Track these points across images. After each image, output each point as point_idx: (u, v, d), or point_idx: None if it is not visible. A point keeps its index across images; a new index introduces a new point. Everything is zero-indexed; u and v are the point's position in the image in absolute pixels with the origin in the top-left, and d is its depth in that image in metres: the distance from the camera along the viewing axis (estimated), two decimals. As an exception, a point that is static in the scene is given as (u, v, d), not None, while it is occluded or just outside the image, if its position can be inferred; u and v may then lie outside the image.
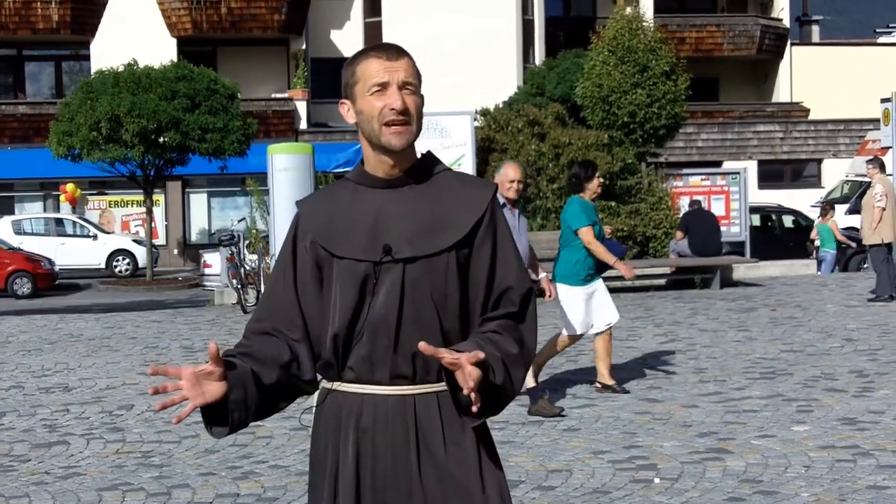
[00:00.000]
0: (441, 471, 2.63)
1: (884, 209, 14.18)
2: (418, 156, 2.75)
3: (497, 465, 2.72)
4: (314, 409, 2.76)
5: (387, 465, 2.63)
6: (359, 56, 2.68)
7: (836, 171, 33.19)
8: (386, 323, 2.60)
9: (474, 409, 2.48)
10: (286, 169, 16.95)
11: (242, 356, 2.63)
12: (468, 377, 2.44)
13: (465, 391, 2.46)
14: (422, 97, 2.68)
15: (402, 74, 2.61)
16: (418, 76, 2.67)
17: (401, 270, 2.62)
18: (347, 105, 2.70)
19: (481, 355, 2.46)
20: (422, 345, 2.46)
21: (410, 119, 2.62)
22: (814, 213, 26.45)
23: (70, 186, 29.30)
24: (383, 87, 2.61)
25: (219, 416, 2.60)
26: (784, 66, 38.11)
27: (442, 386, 2.64)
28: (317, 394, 2.75)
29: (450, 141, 16.94)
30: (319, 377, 2.76)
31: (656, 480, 6.02)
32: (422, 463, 2.63)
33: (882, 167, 14.63)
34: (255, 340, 2.71)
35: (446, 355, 2.46)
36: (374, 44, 2.73)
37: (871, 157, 16.40)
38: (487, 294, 2.65)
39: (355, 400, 2.65)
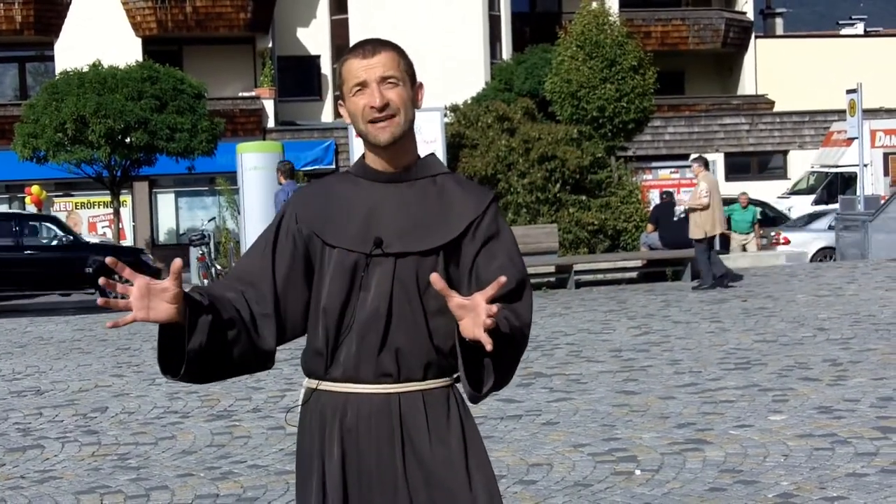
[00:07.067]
0: (426, 470, 2.62)
1: (707, 206, 15.16)
2: (420, 154, 2.74)
3: (485, 462, 2.71)
4: (299, 408, 2.74)
5: (371, 464, 2.62)
6: (343, 58, 2.69)
7: (801, 163, 33.44)
8: (376, 319, 2.58)
9: (488, 347, 2.33)
10: (256, 168, 16.97)
11: (204, 295, 2.53)
12: (483, 312, 2.32)
13: (481, 328, 2.32)
14: (412, 85, 2.66)
15: (378, 70, 2.61)
16: (402, 66, 2.64)
17: (391, 265, 2.61)
18: (343, 107, 2.71)
19: (503, 280, 2.36)
20: (433, 276, 2.40)
21: (395, 112, 2.61)
22: (781, 204, 26.61)
23: (35, 188, 28.96)
24: (363, 85, 2.61)
25: (173, 356, 2.49)
26: (749, 58, 38.34)
27: (427, 384, 2.63)
28: (302, 393, 2.73)
29: (420, 137, 16.91)
30: (304, 376, 2.73)
31: (637, 472, 6.03)
32: (407, 462, 2.62)
33: (706, 165, 15.82)
34: (219, 287, 2.63)
35: (455, 295, 2.39)
36: (358, 41, 2.73)
37: (696, 156, 17.82)
38: (478, 286, 2.57)
39: (339, 399, 2.63)
